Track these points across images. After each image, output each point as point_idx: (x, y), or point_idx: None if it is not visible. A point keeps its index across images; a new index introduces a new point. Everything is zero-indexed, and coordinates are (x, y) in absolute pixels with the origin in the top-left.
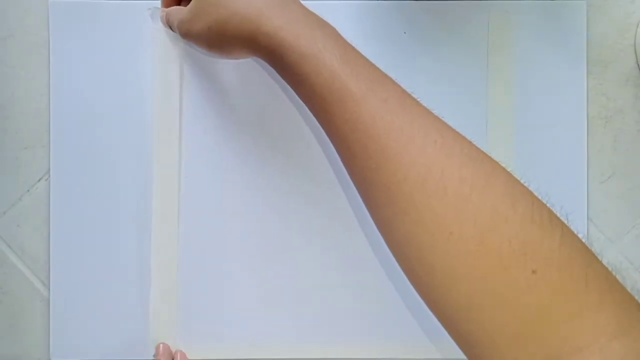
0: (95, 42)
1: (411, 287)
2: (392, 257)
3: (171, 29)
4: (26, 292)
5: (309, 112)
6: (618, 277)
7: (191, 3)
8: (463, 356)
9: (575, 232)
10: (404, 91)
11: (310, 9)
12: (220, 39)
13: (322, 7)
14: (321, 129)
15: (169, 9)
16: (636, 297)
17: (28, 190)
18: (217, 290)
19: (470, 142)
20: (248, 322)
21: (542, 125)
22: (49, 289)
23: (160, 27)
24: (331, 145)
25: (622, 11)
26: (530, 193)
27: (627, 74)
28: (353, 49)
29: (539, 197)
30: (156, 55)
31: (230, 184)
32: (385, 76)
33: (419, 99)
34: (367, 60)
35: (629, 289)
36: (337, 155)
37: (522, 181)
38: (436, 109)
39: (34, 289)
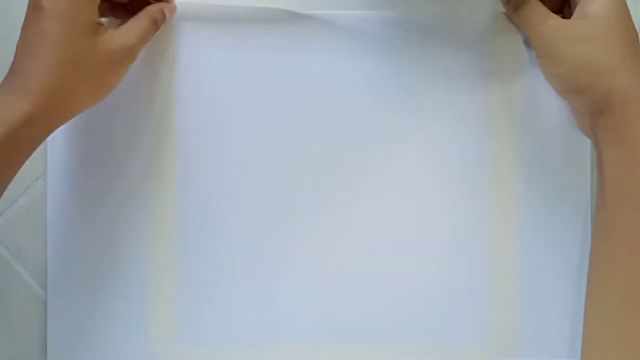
0: None
1: (411, 287)
2: (392, 258)
3: None
4: (23, 294)
5: (307, 111)
6: None
7: None
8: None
9: None
10: None
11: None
12: None
13: (322, 7)
14: (322, 129)
15: None
16: None
17: (25, 191)
18: (216, 290)
19: None
20: (248, 322)
21: (545, 123)
22: (45, 291)
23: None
24: (331, 144)
25: None
26: None
27: None
28: None
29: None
30: (151, 56)
31: (228, 182)
32: None
33: (420, 98)
34: None
35: None
36: (336, 155)
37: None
38: (437, 107)
39: (31, 291)
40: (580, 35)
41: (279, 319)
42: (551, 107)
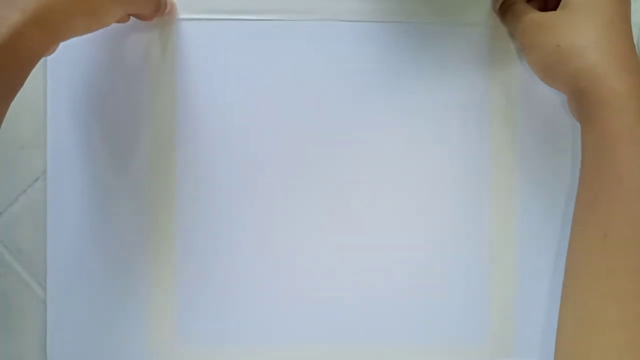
0: (92, 41)
1: (409, 288)
2: (391, 258)
3: None
4: (22, 294)
5: (307, 111)
6: None
7: None
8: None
9: None
10: None
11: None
12: None
13: (322, 7)
14: (321, 129)
15: None
16: None
17: (24, 191)
18: (216, 290)
19: None
20: (248, 322)
21: (544, 122)
22: (45, 291)
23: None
24: (331, 144)
25: None
26: None
27: None
28: None
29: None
30: (151, 55)
31: (228, 183)
32: None
33: (420, 97)
34: None
35: None
36: (336, 155)
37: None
38: (437, 107)
39: (31, 291)
40: (552, 23)
41: (280, 319)
42: (551, 105)
